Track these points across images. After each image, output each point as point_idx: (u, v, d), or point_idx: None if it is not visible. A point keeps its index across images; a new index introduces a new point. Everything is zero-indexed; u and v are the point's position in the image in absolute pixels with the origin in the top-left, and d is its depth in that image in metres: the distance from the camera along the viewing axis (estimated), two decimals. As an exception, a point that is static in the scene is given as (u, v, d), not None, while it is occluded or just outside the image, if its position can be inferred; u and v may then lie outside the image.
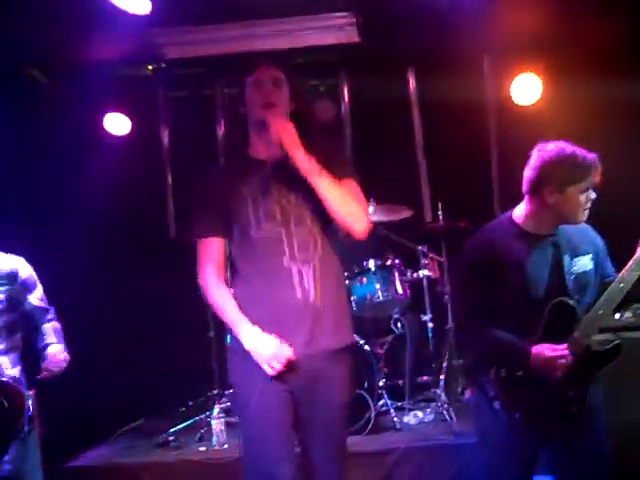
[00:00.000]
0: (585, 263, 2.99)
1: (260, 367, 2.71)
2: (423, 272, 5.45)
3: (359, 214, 2.83)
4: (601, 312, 2.87)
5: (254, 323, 2.76)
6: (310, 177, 2.75)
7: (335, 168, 2.83)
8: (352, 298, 5.27)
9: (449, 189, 6.25)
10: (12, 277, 3.56)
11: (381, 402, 4.96)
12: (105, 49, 5.72)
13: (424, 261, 5.51)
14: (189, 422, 5.23)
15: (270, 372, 2.68)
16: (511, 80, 6.04)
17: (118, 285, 6.04)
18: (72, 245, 5.57)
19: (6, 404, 3.30)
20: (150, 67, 6.21)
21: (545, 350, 2.87)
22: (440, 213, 5.76)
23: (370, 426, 4.70)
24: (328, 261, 2.86)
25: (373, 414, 4.74)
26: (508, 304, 2.96)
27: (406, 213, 5.60)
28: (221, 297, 2.84)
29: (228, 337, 2.92)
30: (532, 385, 2.93)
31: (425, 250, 5.54)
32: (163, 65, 6.12)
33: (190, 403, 5.72)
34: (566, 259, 2.97)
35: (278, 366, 2.66)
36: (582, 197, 2.93)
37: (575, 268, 2.97)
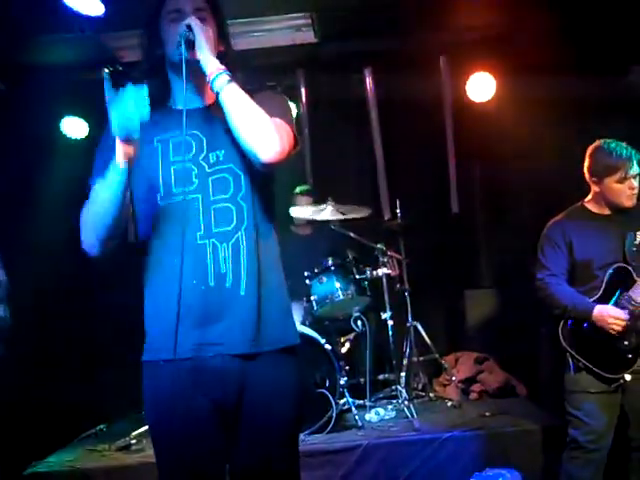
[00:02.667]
0: None
1: (174, 381, 2.25)
2: (382, 270, 5.47)
3: (270, 137, 2.25)
4: None
5: (160, 314, 2.31)
6: (218, 85, 2.27)
7: (267, 105, 2.31)
8: (312, 297, 5.31)
9: (407, 187, 6.32)
10: None
11: (343, 400, 4.97)
12: (61, 52, 5.69)
13: (383, 259, 5.54)
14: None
15: None
16: (466, 79, 6.12)
17: (79, 288, 6.00)
18: (30, 247, 5.53)
19: None
20: (107, 70, 6.16)
21: (609, 310, 3.52)
22: (398, 211, 5.81)
23: (332, 424, 4.73)
24: (257, 240, 2.35)
25: (335, 412, 4.76)
26: (578, 269, 3.66)
27: (364, 212, 5.64)
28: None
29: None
30: (594, 336, 3.55)
31: (384, 248, 5.58)
32: (120, 68, 6.07)
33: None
34: (629, 235, 3.58)
35: None
36: (621, 186, 3.58)
37: (637, 242, 3.56)
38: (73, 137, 6.27)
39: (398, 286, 5.75)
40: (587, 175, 3.75)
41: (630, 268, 3.55)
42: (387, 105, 6.55)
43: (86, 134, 6.31)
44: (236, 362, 2.28)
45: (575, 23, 5.26)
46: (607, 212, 3.71)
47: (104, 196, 2.26)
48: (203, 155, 2.37)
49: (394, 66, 6.26)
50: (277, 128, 2.29)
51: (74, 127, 6.25)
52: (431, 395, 5.58)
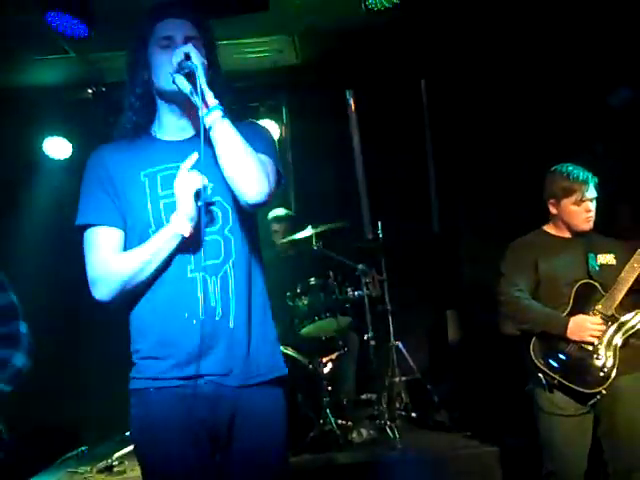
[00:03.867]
0: (609, 259, 3.64)
1: (165, 407, 2.26)
2: (364, 291, 5.50)
3: (259, 180, 2.25)
4: (618, 290, 3.53)
5: (151, 347, 2.30)
6: (210, 120, 2.25)
7: (252, 141, 2.32)
8: (294, 317, 5.32)
9: (389, 208, 6.36)
10: None
11: (325, 420, 4.99)
12: (44, 73, 5.71)
13: (365, 279, 5.56)
14: (133, 447, 5.14)
15: None
16: (447, 102, 6.20)
17: (63, 308, 5.99)
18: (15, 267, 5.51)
19: None
20: (90, 91, 6.19)
21: (587, 318, 3.52)
22: (380, 232, 5.84)
23: (314, 444, 4.73)
24: (245, 272, 2.36)
25: (317, 432, 4.77)
26: (544, 287, 3.68)
27: (346, 231, 5.68)
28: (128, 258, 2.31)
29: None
30: (566, 352, 3.55)
31: (366, 269, 5.61)
32: (103, 89, 6.10)
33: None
34: (590, 256, 3.64)
35: None
36: (578, 209, 3.64)
37: (599, 262, 3.63)
38: (56, 158, 6.27)
39: (380, 306, 5.77)
40: (546, 198, 3.80)
41: (597, 284, 3.59)
42: (369, 126, 6.60)
43: (69, 154, 6.30)
44: (227, 390, 2.28)
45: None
46: (567, 235, 3.76)
47: (155, 259, 2.28)
48: None
49: (376, 87, 6.33)
50: (264, 169, 2.29)
51: (57, 147, 6.25)
52: (413, 415, 5.59)
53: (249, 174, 2.24)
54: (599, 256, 3.65)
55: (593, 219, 3.68)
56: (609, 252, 3.68)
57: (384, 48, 5.69)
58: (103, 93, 6.19)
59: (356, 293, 5.48)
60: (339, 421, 5.13)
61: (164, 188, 2.34)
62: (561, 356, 3.57)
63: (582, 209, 3.65)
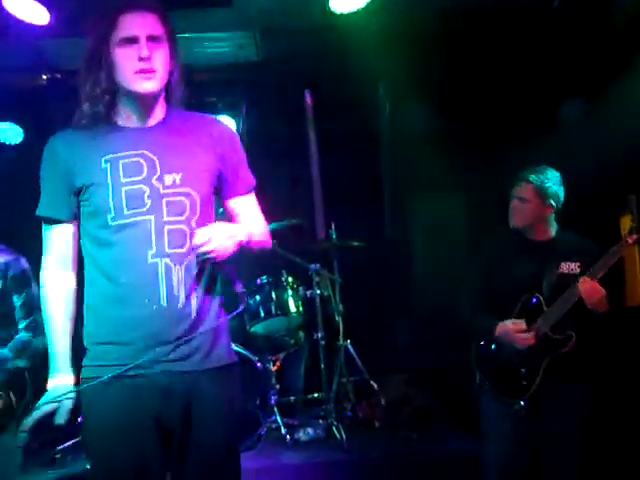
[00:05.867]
0: (572, 268, 3.53)
1: (117, 398, 2.27)
2: (316, 290, 5.52)
3: (267, 241, 2.57)
4: (558, 309, 3.44)
5: (107, 332, 2.31)
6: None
7: (236, 176, 2.50)
8: (245, 315, 5.30)
9: (343, 208, 6.38)
10: None
11: (272, 419, 4.98)
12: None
13: (317, 279, 5.58)
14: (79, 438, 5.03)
15: None
16: (405, 106, 6.25)
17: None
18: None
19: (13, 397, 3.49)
20: (44, 77, 6.08)
21: (508, 324, 3.52)
22: (333, 232, 5.85)
23: (261, 443, 4.73)
24: (209, 264, 2.38)
25: (264, 430, 4.77)
26: (495, 295, 3.65)
27: (299, 231, 5.68)
28: (56, 304, 2.41)
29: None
30: (498, 358, 3.59)
31: (318, 268, 5.61)
32: (58, 75, 6.00)
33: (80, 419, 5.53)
34: (552, 263, 3.54)
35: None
36: (510, 204, 3.67)
37: (560, 271, 3.52)
38: (8, 143, 6.15)
39: (331, 306, 5.78)
40: None
41: (542, 298, 3.52)
42: (326, 126, 6.61)
43: (20, 140, 6.20)
44: (183, 379, 2.29)
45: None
46: (534, 237, 3.67)
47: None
48: (157, 176, 2.35)
49: (334, 88, 6.34)
50: (265, 224, 2.58)
51: (9, 133, 6.13)
52: (360, 415, 5.60)
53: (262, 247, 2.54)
54: (562, 264, 3.55)
55: (516, 217, 3.65)
56: (576, 260, 3.55)
57: (344, 49, 5.69)
58: (58, 80, 6.09)
59: (308, 293, 5.49)
60: (286, 420, 5.13)
61: (126, 175, 2.33)
62: (492, 362, 3.63)
63: (512, 204, 3.68)
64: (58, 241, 2.43)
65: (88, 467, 4.47)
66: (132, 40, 2.31)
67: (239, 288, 5.23)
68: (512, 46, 5.60)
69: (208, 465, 2.34)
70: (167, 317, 2.28)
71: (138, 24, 2.32)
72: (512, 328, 3.51)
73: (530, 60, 5.68)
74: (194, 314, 2.32)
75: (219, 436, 2.35)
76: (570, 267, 3.54)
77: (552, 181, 3.60)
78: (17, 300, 3.78)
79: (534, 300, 3.55)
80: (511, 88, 5.94)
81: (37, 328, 3.63)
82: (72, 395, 2.33)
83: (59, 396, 2.31)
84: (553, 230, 3.68)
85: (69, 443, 4.88)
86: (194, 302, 2.33)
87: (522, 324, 3.50)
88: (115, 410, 2.27)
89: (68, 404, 2.34)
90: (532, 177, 3.59)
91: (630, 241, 3.30)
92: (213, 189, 2.48)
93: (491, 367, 3.64)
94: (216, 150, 2.46)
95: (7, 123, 6.09)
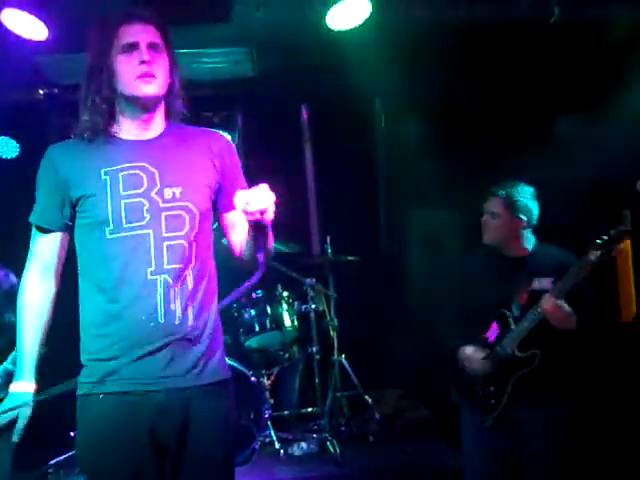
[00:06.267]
0: (544, 284, 3.44)
1: (113, 415, 2.24)
2: (311, 305, 5.53)
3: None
4: (524, 328, 3.38)
5: (104, 351, 2.28)
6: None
7: (234, 189, 2.32)
8: (240, 329, 5.31)
9: (338, 224, 6.39)
10: None
11: (266, 433, 4.98)
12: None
13: (312, 294, 5.59)
14: (72, 453, 5.00)
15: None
16: (400, 122, 6.29)
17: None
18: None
19: None
20: (42, 92, 6.11)
21: (469, 351, 3.55)
22: (328, 247, 5.87)
23: (255, 457, 4.72)
24: (204, 278, 2.38)
25: (258, 445, 4.76)
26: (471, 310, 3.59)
27: (295, 246, 5.69)
28: (30, 312, 2.42)
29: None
30: (470, 376, 3.57)
31: (313, 283, 5.62)
32: (56, 90, 6.03)
33: (72, 434, 5.54)
34: (523, 280, 3.49)
35: None
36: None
37: (533, 287, 3.46)
38: (4, 157, 6.19)
39: (325, 321, 5.79)
40: None
41: (510, 315, 3.48)
42: (322, 142, 6.64)
43: (17, 154, 6.23)
44: (179, 395, 2.28)
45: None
46: (510, 252, 3.63)
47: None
48: (156, 189, 2.34)
49: (330, 104, 6.37)
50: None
51: (6, 147, 6.17)
52: (354, 430, 5.60)
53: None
54: (536, 280, 3.48)
55: (487, 232, 3.66)
56: (550, 275, 3.46)
57: (340, 65, 5.73)
58: (55, 95, 6.12)
59: (302, 307, 5.51)
60: (280, 434, 5.13)
61: (126, 188, 2.32)
62: (466, 379, 3.61)
63: (482, 220, 3.69)
64: (44, 249, 2.43)
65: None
66: (133, 46, 2.34)
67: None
68: (508, 62, 5.65)
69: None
70: (164, 333, 2.27)
71: (139, 32, 2.36)
72: (471, 355, 3.55)
73: (526, 76, 5.74)
74: (190, 330, 2.31)
75: (215, 452, 2.33)
76: (542, 283, 3.47)
77: (521, 195, 3.57)
78: (12, 315, 3.78)
79: (503, 318, 3.51)
80: (507, 103, 5.98)
81: None
82: (30, 404, 2.34)
83: (17, 405, 2.33)
84: (529, 245, 3.62)
85: (62, 457, 4.87)
86: (191, 318, 2.31)
87: (480, 352, 3.52)
88: (110, 425, 2.25)
89: (26, 412, 2.33)
90: (501, 192, 3.60)
91: (592, 257, 3.19)
92: (212, 203, 2.47)
93: (465, 384, 3.63)
94: (215, 164, 2.47)
95: (2, 137, 6.13)
